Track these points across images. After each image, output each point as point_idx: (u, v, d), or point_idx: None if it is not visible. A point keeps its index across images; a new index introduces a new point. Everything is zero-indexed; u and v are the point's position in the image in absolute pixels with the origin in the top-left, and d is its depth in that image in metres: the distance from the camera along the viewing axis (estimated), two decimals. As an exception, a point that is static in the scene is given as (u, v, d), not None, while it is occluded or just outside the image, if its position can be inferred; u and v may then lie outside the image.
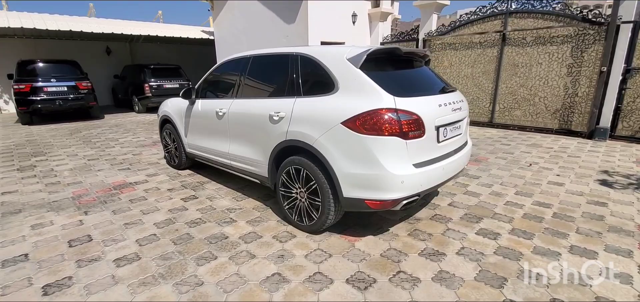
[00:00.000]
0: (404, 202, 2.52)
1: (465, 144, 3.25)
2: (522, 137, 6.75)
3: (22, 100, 8.83)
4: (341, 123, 2.51)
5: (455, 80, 8.41)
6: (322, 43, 8.98)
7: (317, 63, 2.87)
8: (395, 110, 2.42)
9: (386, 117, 2.39)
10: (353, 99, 2.55)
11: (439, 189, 3.92)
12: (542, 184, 4.05)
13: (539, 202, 3.53)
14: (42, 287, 2.23)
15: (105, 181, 4.41)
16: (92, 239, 2.87)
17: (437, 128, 2.69)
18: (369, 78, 2.57)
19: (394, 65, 2.94)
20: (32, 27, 10.75)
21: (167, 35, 13.07)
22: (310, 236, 2.88)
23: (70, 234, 2.97)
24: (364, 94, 2.53)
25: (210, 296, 2.13)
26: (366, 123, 2.41)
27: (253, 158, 3.36)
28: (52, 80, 9.19)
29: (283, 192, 3.05)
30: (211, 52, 12.45)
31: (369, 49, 2.65)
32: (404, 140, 2.43)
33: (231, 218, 3.26)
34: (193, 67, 14.76)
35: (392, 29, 11.57)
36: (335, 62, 2.75)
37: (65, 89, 9.35)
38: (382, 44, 10.12)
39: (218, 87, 4.14)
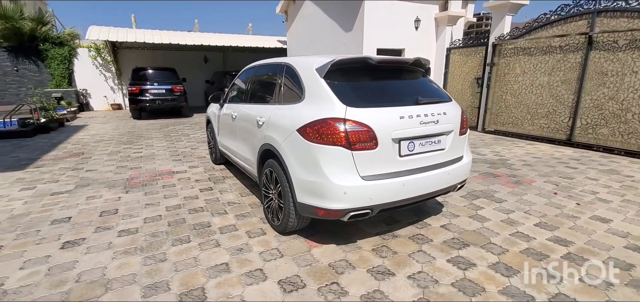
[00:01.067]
0: (351, 214, 2.47)
1: (455, 160, 2.95)
2: (601, 161, 5.53)
3: (133, 100, 11.08)
4: (296, 130, 2.62)
5: (528, 90, 7.35)
6: (378, 51, 8.89)
7: (295, 73, 3.02)
8: (344, 121, 2.41)
9: (333, 127, 2.41)
10: (312, 107, 2.63)
11: (442, 207, 3.61)
12: (581, 218, 3.34)
13: (558, 237, 2.96)
14: (64, 243, 2.93)
15: (156, 168, 5.33)
16: (117, 213, 3.58)
17: (399, 141, 2.56)
18: (329, 88, 2.61)
19: (370, 75, 2.88)
20: (151, 41, 13.39)
21: (250, 45, 14.63)
22: (278, 236, 3.04)
23: (106, 206, 3.75)
24: (321, 103, 2.58)
25: (163, 270, 2.50)
26: (316, 132, 2.47)
27: (249, 158, 3.67)
28: (155, 84, 11.27)
29: (264, 192, 3.28)
30: (284, 59, 13.44)
31: (334, 60, 2.69)
32: (350, 151, 2.41)
33: (225, 211, 3.63)
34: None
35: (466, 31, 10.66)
36: (306, 71, 2.86)
37: (164, 91, 11.36)
38: (449, 48, 9.45)
39: (235, 93, 4.60)
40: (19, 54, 13.54)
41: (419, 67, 3.08)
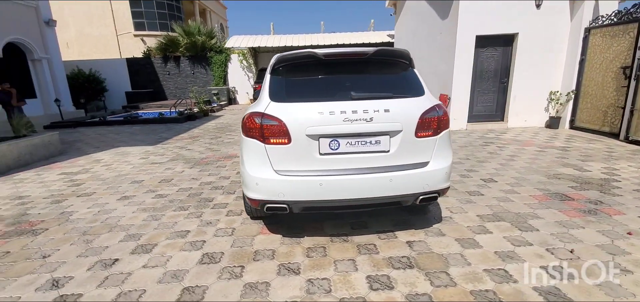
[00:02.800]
0: (267, 205, 2.54)
1: (411, 166, 2.50)
2: None
3: (256, 95, 13.25)
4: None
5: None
6: (478, 37, 7.62)
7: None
8: (262, 115, 2.50)
9: (252, 120, 2.53)
10: (258, 102, 2.80)
11: (437, 222, 3.07)
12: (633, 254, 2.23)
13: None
14: (121, 197, 4.12)
15: (227, 153, 6.42)
16: (171, 181, 4.66)
17: (317, 138, 2.42)
18: (270, 83, 2.73)
19: (324, 69, 2.77)
20: (283, 45, 15.61)
21: (360, 42, 14.94)
22: (246, 218, 3.34)
23: (170, 175, 4.92)
24: (261, 97, 2.73)
25: (149, 226, 3.23)
26: (244, 125, 2.64)
27: None
28: None
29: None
30: (392, 54, 13.13)
31: (278, 56, 2.77)
32: (263, 145, 2.48)
33: (234, 191, 4.18)
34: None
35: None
36: (268, 67, 3.03)
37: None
38: (588, 28, 7.17)
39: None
40: (195, 61, 18.15)
41: (391, 58, 2.74)
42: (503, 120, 8.17)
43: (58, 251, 2.84)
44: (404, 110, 2.50)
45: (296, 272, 2.41)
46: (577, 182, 4.07)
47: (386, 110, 2.46)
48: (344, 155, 2.46)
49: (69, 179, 4.96)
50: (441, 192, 2.65)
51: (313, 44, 15.13)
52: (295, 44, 15.35)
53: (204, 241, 2.91)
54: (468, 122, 8.04)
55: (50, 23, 13.74)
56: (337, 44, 15.59)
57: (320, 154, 2.45)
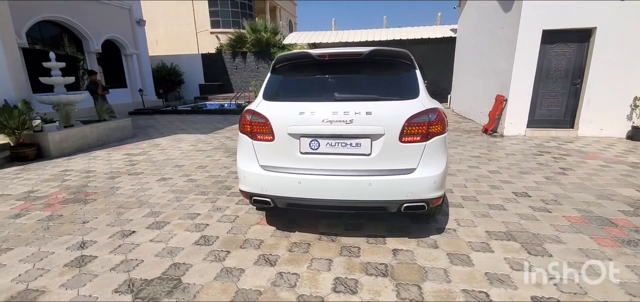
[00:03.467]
0: (254, 197, 2.68)
1: (393, 171, 2.41)
2: None
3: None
4: None
5: None
6: (545, 31, 6.73)
7: None
8: (253, 112, 2.65)
9: (244, 117, 2.70)
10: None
11: (438, 233, 2.90)
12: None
13: None
14: (159, 179, 4.69)
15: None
16: (204, 168, 5.14)
17: (299, 137, 2.48)
18: (268, 82, 2.87)
19: (319, 69, 2.81)
20: (340, 40, 15.67)
21: (421, 37, 14.20)
22: (252, 208, 3.55)
23: (205, 163, 5.42)
24: (258, 95, 2.88)
25: (170, 206, 3.65)
26: (240, 120, 2.82)
27: None
28: None
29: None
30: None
31: (278, 56, 2.89)
32: (251, 140, 2.62)
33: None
34: (442, 66, 14.93)
35: None
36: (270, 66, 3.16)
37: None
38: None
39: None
40: (260, 56, 19.27)
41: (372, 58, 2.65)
42: (572, 128, 7.10)
43: (95, 219, 3.39)
44: (388, 114, 2.41)
45: (272, 264, 2.52)
46: (632, 206, 3.41)
47: (368, 113, 2.40)
48: (324, 155, 2.48)
49: (128, 159, 5.79)
50: (430, 203, 2.50)
51: (369, 39, 14.84)
52: (350, 40, 15.25)
53: (208, 225, 3.19)
54: (528, 127, 7.18)
55: (141, 22, 15.86)
56: (389, 41, 15.03)
57: (301, 153, 2.51)
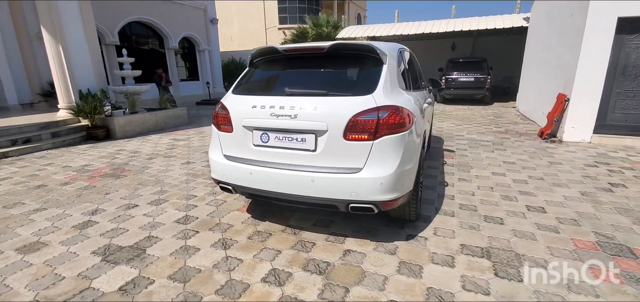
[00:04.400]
0: (219, 184, 2.87)
1: (338, 170, 2.34)
2: None
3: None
4: None
5: None
6: (622, 19, 5.56)
7: None
8: (220, 105, 2.83)
9: (215, 109, 2.89)
10: None
11: (408, 237, 2.74)
12: None
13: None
14: (187, 161, 5.23)
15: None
16: (226, 155, 5.56)
17: (252, 129, 2.56)
18: (241, 76, 3.02)
19: (288, 63, 2.86)
20: (399, 33, 15.11)
21: (490, 27, 12.84)
22: (241, 196, 3.76)
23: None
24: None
25: (175, 195, 4.08)
26: (213, 112, 3.01)
27: None
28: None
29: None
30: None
31: (254, 51, 3.00)
32: (217, 131, 2.80)
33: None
34: (517, 60, 13.25)
35: None
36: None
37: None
38: None
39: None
40: (320, 51, 19.61)
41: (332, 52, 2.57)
42: (658, 136, 5.75)
43: (116, 192, 3.98)
44: (333, 110, 2.35)
45: (226, 247, 2.68)
46: (683, 238, 2.69)
47: (314, 108, 2.38)
48: (273, 148, 2.53)
49: (171, 144, 6.56)
50: (379, 206, 2.37)
51: (433, 31, 13.86)
52: (406, 32, 14.51)
53: (196, 206, 3.50)
54: (595, 133, 6.03)
55: (214, 21, 17.46)
56: (449, 32, 13.78)
57: (254, 145, 2.60)
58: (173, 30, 14.85)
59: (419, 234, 2.82)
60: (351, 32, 16.20)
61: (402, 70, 2.95)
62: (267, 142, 2.56)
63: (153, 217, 3.24)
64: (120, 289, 2.19)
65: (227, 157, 2.76)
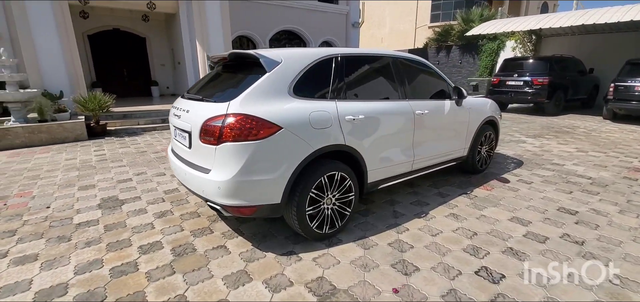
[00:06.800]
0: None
1: (201, 168, 2.56)
2: None
3: (491, 90, 11.26)
4: None
5: None
6: None
7: None
8: (178, 103, 3.48)
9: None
10: None
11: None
12: None
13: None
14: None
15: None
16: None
17: (172, 125, 3.07)
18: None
19: (221, 69, 3.19)
20: (570, 25, 11.76)
21: None
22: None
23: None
24: None
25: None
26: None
27: None
28: (515, 75, 10.53)
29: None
30: None
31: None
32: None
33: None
34: None
35: None
36: None
37: (521, 83, 10.32)
38: None
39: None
40: (465, 50, 17.51)
41: (234, 61, 2.73)
42: None
43: (133, 163, 5.29)
44: (196, 114, 2.57)
45: (163, 215, 3.34)
46: None
47: (187, 111, 2.68)
48: (178, 144, 2.96)
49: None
50: (224, 209, 2.45)
51: (593, 22, 10.01)
52: (588, 22, 10.84)
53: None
54: None
55: (355, 25, 18.51)
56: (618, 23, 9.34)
57: (174, 138, 3.11)
58: (314, 36, 16.76)
59: (323, 253, 2.62)
60: (485, 28, 13.72)
61: (317, 78, 2.76)
62: (175, 137, 3.03)
63: (148, 183, 4.27)
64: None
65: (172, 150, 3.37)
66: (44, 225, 3.13)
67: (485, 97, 11.15)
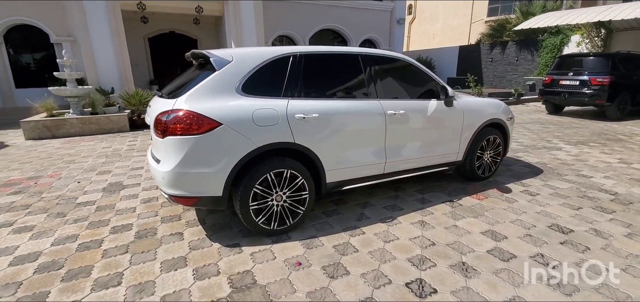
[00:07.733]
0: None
1: (157, 159, 2.78)
2: None
3: (542, 91, 10.08)
4: None
5: None
6: None
7: None
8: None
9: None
10: None
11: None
12: None
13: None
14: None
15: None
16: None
17: (152, 119, 3.37)
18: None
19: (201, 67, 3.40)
20: None
21: None
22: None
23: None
24: None
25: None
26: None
27: None
28: (570, 73, 9.30)
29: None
30: None
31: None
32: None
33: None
34: None
35: None
36: None
37: (577, 83, 9.08)
38: None
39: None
40: (522, 46, 15.90)
41: (195, 60, 2.92)
42: None
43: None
44: (154, 109, 2.81)
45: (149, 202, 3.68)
46: None
47: (150, 107, 2.93)
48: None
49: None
50: (170, 198, 2.64)
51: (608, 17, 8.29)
52: (590, 19, 9.22)
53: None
54: None
55: (400, 22, 17.96)
56: None
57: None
58: (356, 34, 16.60)
59: (299, 256, 2.72)
60: (536, 22, 12.34)
61: (269, 76, 2.83)
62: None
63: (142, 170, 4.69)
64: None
65: (158, 138, 3.70)
66: (53, 202, 3.66)
67: (537, 97, 10.05)
